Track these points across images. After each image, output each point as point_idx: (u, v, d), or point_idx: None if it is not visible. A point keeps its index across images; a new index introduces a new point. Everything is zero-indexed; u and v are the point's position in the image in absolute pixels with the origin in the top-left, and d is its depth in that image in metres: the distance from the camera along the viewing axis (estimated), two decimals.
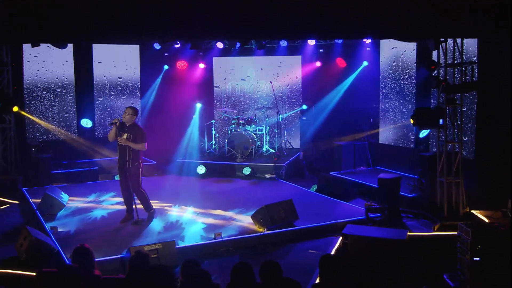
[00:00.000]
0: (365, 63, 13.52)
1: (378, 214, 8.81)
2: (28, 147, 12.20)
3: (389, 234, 7.03)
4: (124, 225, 8.41)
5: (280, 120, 13.92)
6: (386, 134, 12.85)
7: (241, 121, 13.46)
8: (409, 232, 7.66)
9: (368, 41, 13.10)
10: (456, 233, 6.43)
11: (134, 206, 8.49)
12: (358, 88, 13.64)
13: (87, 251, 4.88)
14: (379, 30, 7.45)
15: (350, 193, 10.53)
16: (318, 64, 14.38)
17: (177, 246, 7.05)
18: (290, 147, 14.43)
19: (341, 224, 8.12)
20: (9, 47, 11.71)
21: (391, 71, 12.59)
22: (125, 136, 8.28)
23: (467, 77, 9.08)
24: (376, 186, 9.60)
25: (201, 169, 12.60)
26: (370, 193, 10.37)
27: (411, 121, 8.66)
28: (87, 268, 4.71)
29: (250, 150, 13.06)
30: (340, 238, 7.43)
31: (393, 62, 12.49)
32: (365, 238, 7.00)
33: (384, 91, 12.86)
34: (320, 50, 14.38)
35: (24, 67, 12.66)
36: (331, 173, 12.06)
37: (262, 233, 7.94)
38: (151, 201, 8.67)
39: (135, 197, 8.51)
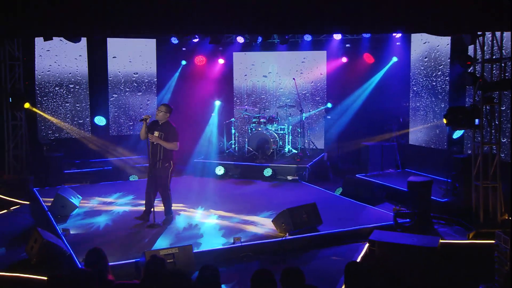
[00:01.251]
0: (395, 59, 13.40)
1: (408, 220, 8.72)
2: (39, 145, 12.37)
3: (419, 241, 6.95)
4: (139, 228, 8.46)
5: (303, 119, 13.88)
6: (416, 134, 12.72)
7: (262, 120, 13.45)
8: (441, 239, 7.55)
9: (398, 35, 12.98)
10: (493, 241, 6.32)
11: (152, 209, 8.54)
12: (387, 86, 13.53)
13: (100, 254, 4.92)
14: (410, 23, 7.35)
15: (378, 197, 10.46)
16: (344, 59, 14.30)
17: (194, 251, 7.05)
18: (314, 147, 14.37)
19: (368, 230, 8.08)
20: (21, 41, 11.89)
21: (422, 68, 12.45)
22: (156, 134, 8.39)
23: (506, 74, 8.91)
24: (406, 189, 9.45)
25: (219, 170, 12.63)
26: (399, 197, 10.29)
27: (444, 120, 8.55)
28: (100, 273, 4.75)
29: (271, 150, 13.04)
30: (367, 245, 7.38)
31: (425, 57, 12.35)
32: (394, 245, 6.92)
33: (415, 88, 12.73)
34: (347, 45, 14.29)
35: (36, 62, 12.86)
36: (357, 175, 11.99)
37: (283, 238, 7.91)
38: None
39: (157, 199, 8.57)
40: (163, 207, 8.74)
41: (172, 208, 8.89)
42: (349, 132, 13.96)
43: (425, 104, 12.40)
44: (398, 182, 11.02)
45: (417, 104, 12.68)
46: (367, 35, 13.46)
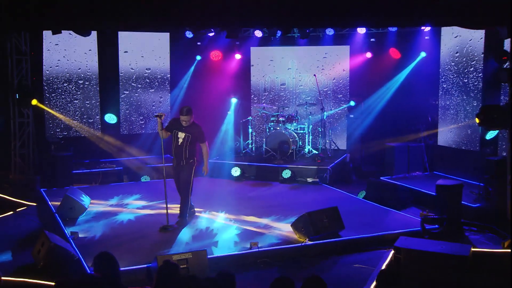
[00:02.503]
0: (423, 54, 13.26)
1: (436, 226, 8.66)
2: (47, 144, 12.48)
3: (449, 249, 6.88)
4: (151, 232, 8.50)
5: (324, 117, 13.82)
6: (446, 134, 12.59)
7: (281, 119, 13.42)
8: (473, 247, 7.46)
9: (427, 28, 12.84)
10: None
11: (166, 211, 8.57)
12: (414, 83, 13.40)
13: (110, 259, 4.93)
14: (441, 16, 7.27)
15: (403, 201, 10.40)
16: (368, 55, 14.21)
17: (209, 256, 7.06)
18: (335, 148, 14.31)
19: (393, 236, 8.02)
20: (28, 34, 12.00)
21: (453, 63, 12.31)
22: (182, 135, 8.54)
23: None
24: (434, 193, 9.39)
25: (235, 171, 12.63)
26: (426, 201, 10.22)
27: (477, 120, 8.45)
28: (110, 278, 4.75)
29: (290, 151, 13.01)
30: (392, 252, 7.33)
31: (456, 52, 12.21)
32: (421, 252, 6.87)
33: (445, 86, 12.60)
34: (371, 40, 14.19)
35: (44, 57, 12.96)
36: (381, 178, 11.92)
37: (303, 244, 7.90)
38: (177, 205, 8.78)
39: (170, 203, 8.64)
40: (179, 207, 8.82)
41: None
42: (373, 132, 13.87)
43: (456, 103, 12.26)
44: (426, 185, 10.93)
45: (447, 102, 12.55)
46: (393, 29, 13.34)
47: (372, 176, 12.01)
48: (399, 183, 11.29)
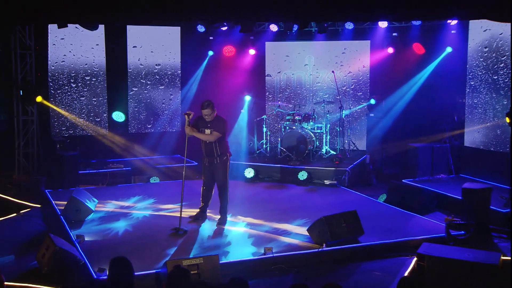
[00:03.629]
0: (449, 50, 13.19)
1: (462, 232, 8.58)
2: (52, 143, 12.55)
3: (476, 257, 6.82)
4: (160, 235, 8.52)
5: (343, 116, 13.79)
6: (473, 135, 12.50)
7: (297, 117, 13.40)
8: (502, 255, 7.37)
9: (454, 22, 12.75)
10: None
11: (179, 214, 8.60)
12: (439, 80, 13.33)
13: (127, 264, 4.95)
14: (469, 8, 7.21)
15: (427, 206, 10.33)
16: (390, 50, 14.15)
17: (221, 261, 7.06)
18: (355, 148, 14.27)
19: (416, 242, 7.98)
20: (33, 27, 12.08)
21: (481, 59, 12.22)
22: (208, 132, 8.71)
23: None
24: (460, 197, 9.35)
25: (249, 173, 12.64)
26: (452, 206, 10.14)
27: (507, 119, 8.39)
28: (123, 285, 4.77)
29: (307, 151, 12.98)
30: (414, 259, 7.30)
31: (485, 47, 12.12)
32: (446, 260, 6.83)
33: (472, 83, 12.51)
34: (394, 34, 14.13)
35: (49, 51, 13.06)
36: (403, 180, 11.86)
37: (320, 250, 7.87)
38: (191, 209, 8.82)
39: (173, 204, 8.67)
40: (220, 205, 9.10)
41: (196, 213, 9.00)
42: (395, 132, 13.82)
43: (484, 101, 12.17)
44: (451, 189, 10.85)
45: (475, 100, 12.46)
46: (417, 23, 13.28)
47: (393, 178, 11.95)
48: (422, 186, 11.23)
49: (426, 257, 6.89)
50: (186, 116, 8.76)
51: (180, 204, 8.76)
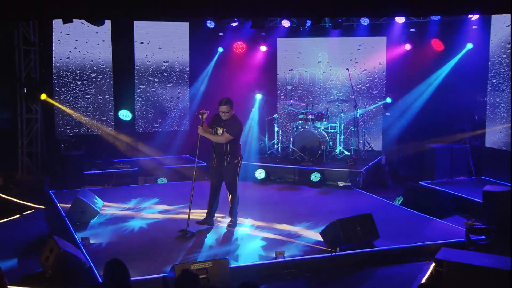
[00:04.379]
0: (470, 46, 13.11)
1: (483, 237, 8.54)
2: (56, 142, 12.62)
3: (498, 263, 6.78)
4: (169, 238, 8.54)
5: (357, 116, 13.76)
6: (495, 135, 12.43)
7: (309, 116, 13.38)
8: None
9: (475, 17, 12.66)
10: None
11: (188, 216, 8.61)
12: (459, 77, 13.23)
13: (119, 266, 4.96)
14: (492, 3, 7.14)
15: (446, 209, 10.29)
16: (407, 47, 14.09)
17: (230, 266, 7.07)
18: (370, 149, 14.23)
19: (434, 247, 7.95)
20: (37, 23, 12.13)
21: (504, 56, 12.14)
22: (220, 131, 8.69)
23: None
24: (481, 200, 9.33)
25: (260, 174, 12.63)
26: (472, 209, 10.10)
27: None
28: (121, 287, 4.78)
29: (320, 151, 12.97)
30: (433, 265, 7.28)
31: (508, 43, 12.04)
32: (466, 266, 6.80)
33: (494, 81, 12.43)
34: (411, 30, 14.06)
35: (53, 48, 13.10)
36: (421, 182, 11.83)
37: (333, 254, 7.86)
38: (199, 211, 8.83)
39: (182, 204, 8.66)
40: (230, 207, 9.07)
41: (203, 219, 9.03)
42: (412, 132, 13.78)
43: (507, 100, 12.10)
44: (471, 191, 10.81)
45: (497, 99, 12.39)
46: (436, 18, 13.20)
47: (410, 180, 11.92)
48: (440, 188, 11.18)
49: (445, 262, 6.86)
50: (200, 116, 8.75)
51: (188, 205, 8.75)
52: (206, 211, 9.15)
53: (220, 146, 8.76)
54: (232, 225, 9.02)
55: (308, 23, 13.49)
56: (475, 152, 12.52)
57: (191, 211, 8.78)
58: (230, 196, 9.05)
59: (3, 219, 9.95)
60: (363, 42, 14.66)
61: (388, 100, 14.09)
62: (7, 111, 12.83)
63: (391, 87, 14.48)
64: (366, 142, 14.27)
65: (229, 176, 8.90)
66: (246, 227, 9.19)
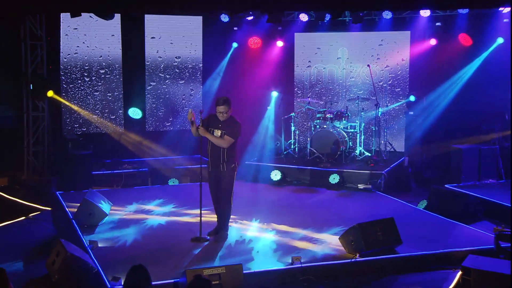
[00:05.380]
0: (500, 41, 13.06)
1: None
2: (64, 141, 12.70)
3: None
4: (180, 242, 8.54)
5: (379, 114, 13.71)
6: None
7: (328, 115, 13.36)
8: None
9: (506, 9, 12.55)
10: None
11: (200, 220, 8.59)
12: (489, 74, 13.18)
13: (144, 274, 4.98)
14: None
15: (473, 214, 10.22)
16: (433, 42, 14.02)
17: (244, 271, 7.05)
18: (392, 150, 14.18)
19: (460, 254, 7.89)
20: (44, 16, 12.20)
21: None
22: (218, 133, 8.46)
23: None
24: (511, 205, 9.18)
25: (275, 175, 12.63)
26: (501, 214, 10.02)
27: None
28: None
29: (339, 152, 12.94)
30: (459, 273, 7.22)
31: None
32: (495, 275, 6.75)
33: None
34: (437, 24, 13.98)
35: (61, 42, 13.18)
36: (446, 185, 11.77)
37: (353, 260, 7.83)
38: (213, 214, 8.81)
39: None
40: (218, 218, 8.75)
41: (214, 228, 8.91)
42: (437, 132, 13.75)
43: None
44: (501, 195, 10.74)
45: None
46: (464, 11, 13.11)
47: (435, 183, 11.89)
48: (467, 192, 11.12)
49: (473, 271, 6.81)
50: (190, 122, 8.43)
51: (199, 208, 8.73)
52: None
53: (216, 150, 8.48)
54: (221, 239, 8.63)
55: (327, 17, 13.45)
56: (505, 153, 12.44)
57: (205, 214, 8.76)
58: (222, 205, 8.65)
59: (8, 221, 10.02)
60: (385, 37, 14.60)
61: (412, 98, 14.01)
62: (13, 108, 12.93)
63: (415, 84, 14.41)
64: (388, 142, 14.21)
65: (224, 182, 8.55)
66: (261, 231, 9.17)
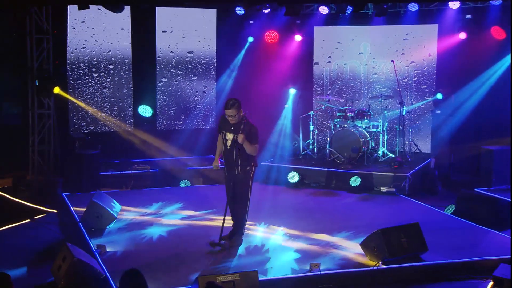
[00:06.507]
0: None
1: None
2: (71, 140, 12.78)
3: None
4: (192, 247, 8.57)
5: (403, 113, 13.67)
6: None
7: (349, 114, 13.35)
8: None
9: None
10: None
11: (222, 224, 8.61)
12: None
13: (137, 277, 4.99)
14: None
15: (505, 219, 10.11)
16: (462, 35, 13.93)
17: (260, 278, 7.04)
18: (417, 151, 14.15)
19: (491, 263, 7.86)
20: (50, 8, 12.27)
21: None
22: (230, 137, 8.45)
23: None
24: None
25: (293, 177, 12.63)
26: None
27: None
28: None
29: (360, 153, 12.93)
30: (491, 283, 7.22)
31: None
32: None
33: None
34: (467, 16, 13.89)
35: (68, 36, 13.28)
36: (476, 189, 11.77)
37: (375, 268, 7.80)
38: (227, 217, 8.80)
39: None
40: (234, 223, 8.77)
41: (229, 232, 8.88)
42: (466, 132, 13.70)
43: None
44: None
45: None
46: (497, 2, 13.01)
47: (463, 186, 11.84)
48: (499, 196, 11.05)
49: (505, 281, 6.82)
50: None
51: (217, 211, 8.75)
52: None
53: (230, 152, 8.48)
54: (235, 244, 8.65)
55: (349, 9, 13.42)
56: None
57: (214, 216, 8.77)
58: (237, 210, 8.66)
59: (13, 223, 10.10)
60: (411, 30, 14.54)
61: (439, 96, 13.96)
62: (17, 105, 13.04)
63: (443, 81, 14.35)
64: (413, 143, 14.17)
65: (239, 186, 8.55)
66: (278, 236, 9.17)
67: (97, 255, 8.08)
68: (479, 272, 7.90)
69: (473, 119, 13.66)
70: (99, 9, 12.94)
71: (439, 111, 14.02)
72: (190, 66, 14.62)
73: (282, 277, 7.51)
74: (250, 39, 14.97)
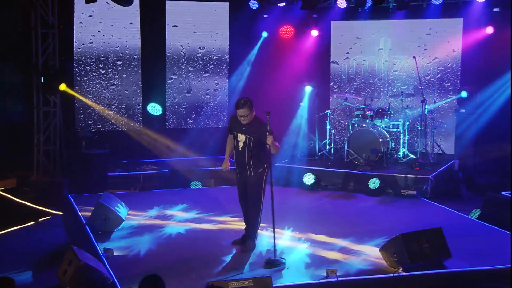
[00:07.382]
0: None
1: None
2: (77, 139, 12.82)
3: None
4: (203, 251, 8.58)
5: (425, 112, 13.64)
6: None
7: (368, 113, 13.33)
8: None
9: None
10: None
11: (273, 234, 8.56)
12: None
13: (158, 283, 5.00)
14: None
15: None
16: (489, 30, 13.85)
17: (274, 285, 7.04)
18: (440, 152, 14.11)
19: None
20: (56, 1, 12.33)
21: None
22: (242, 137, 8.43)
23: None
24: None
25: (309, 178, 12.62)
26: None
27: None
28: None
29: (380, 154, 12.92)
30: None
31: None
32: None
33: None
34: (494, 9, 13.80)
35: (74, 31, 13.35)
36: (503, 192, 11.62)
37: (395, 274, 7.78)
38: (240, 221, 8.84)
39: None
40: (247, 227, 8.78)
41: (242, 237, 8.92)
42: (492, 132, 13.65)
43: None
44: None
45: None
46: None
47: (489, 189, 11.67)
48: None
49: None
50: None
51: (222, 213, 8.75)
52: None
53: (242, 154, 8.45)
54: (248, 249, 8.65)
55: (369, 3, 13.41)
56: None
57: (225, 218, 8.77)
58: (250, 211, 8.63)
59: (17, 226, 10.13)
60: (434, 25, 14.50)
61: (464, 94, 13.88)
62: (22, 103, 13.11)
63: (468, 78, 14.29)
64: (436, 143, 14.12)
65: (251, 188, 8.51)
66: (293, 240, 9.17)
67: (104, 259, 8.09)
68: (506, 281, 7.84)
69: (500, 118, 13.57)
70: (107, 2, 12.99)
71: (463, 110, 13.96)
72: (201, 62, 14.65)
73: (297, 283, 7.49)
74: (265, 34, 14.99)
